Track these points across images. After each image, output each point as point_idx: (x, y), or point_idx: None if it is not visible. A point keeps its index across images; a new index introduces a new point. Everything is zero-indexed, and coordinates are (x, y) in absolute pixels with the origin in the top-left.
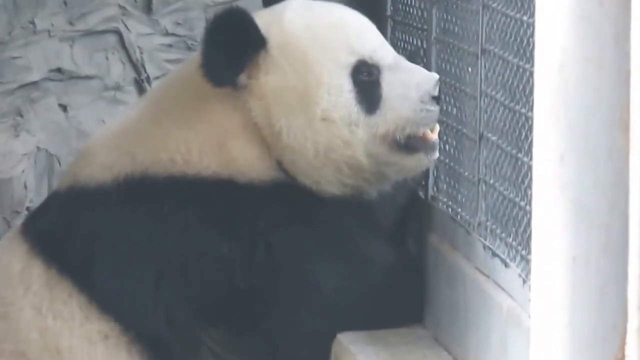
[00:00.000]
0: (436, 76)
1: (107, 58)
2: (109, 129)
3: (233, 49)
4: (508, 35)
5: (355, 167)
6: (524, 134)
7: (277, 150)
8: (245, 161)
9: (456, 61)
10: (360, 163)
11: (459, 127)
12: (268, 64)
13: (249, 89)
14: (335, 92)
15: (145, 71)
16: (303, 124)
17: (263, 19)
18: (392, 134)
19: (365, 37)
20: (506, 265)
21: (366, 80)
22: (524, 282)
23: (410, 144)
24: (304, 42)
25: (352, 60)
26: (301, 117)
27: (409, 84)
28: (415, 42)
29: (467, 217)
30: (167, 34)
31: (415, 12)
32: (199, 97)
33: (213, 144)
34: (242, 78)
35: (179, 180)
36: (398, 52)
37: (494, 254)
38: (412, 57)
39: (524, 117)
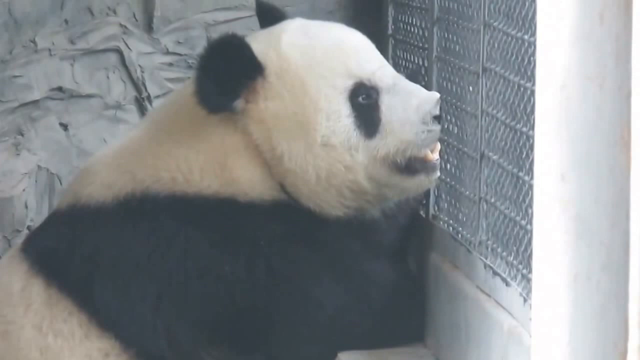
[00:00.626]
0: (437, 95)
1: (108, 77)
2: (110, 149)
3: (227, 76)
4: (509, 54)
5: (357, 191)
6: (525, 153)
7: (279, 173)
8: (247, 181)
9: (457, 80)
10: (362, 187)
11: (460, 145)
12: (266, 90)
13: (248, 112)
14: (334, 117)
15: (146, 90)
16: (303, 149)
17: (260, 43)
18: (392, 157)
19: (363, 59)
20: (507, 284)
21: (364, 104)
22: (525, 300)
23: (411, 166)
24: (301, 68)
25: (349, 83)
26: (301, 143)
27: (409, 106)
28: (416, 61)
29: (468, 235)
30: (168, 52)
31: (416, 30)
32: (201, 116)
33: (214, 164)
34: (240, 103)
35: (180, 199)
36: (399, 71)
37: (495, 273)
38: (413, 76)
39: (525, 136)
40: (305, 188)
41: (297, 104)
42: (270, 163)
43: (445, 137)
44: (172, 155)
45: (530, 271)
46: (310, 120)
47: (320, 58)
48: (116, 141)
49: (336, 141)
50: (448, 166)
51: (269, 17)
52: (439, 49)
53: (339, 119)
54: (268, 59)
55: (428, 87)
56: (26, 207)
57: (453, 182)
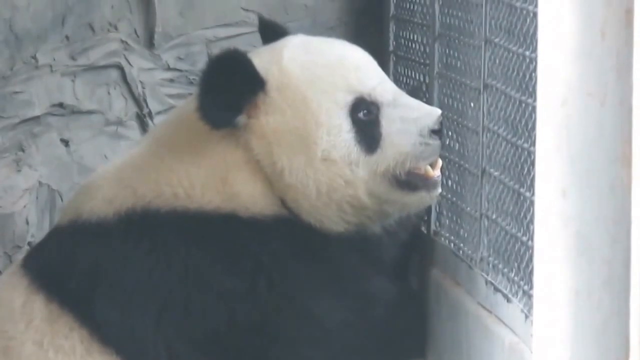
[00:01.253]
0: (438, 111)
1: (109, 93)
2: (111, 165)
3: (229, 92)
4: (510, 70)
5: (357, 206)
6: (526, 169)
7: (279, 188)
8: (248, 196)
9: (458, 96)
10: (363, 202)
11: (461, 162)
12: (267, 105)
13: (249, 127)
14: (335, 132)
15: (147, 106)
16: (304, 164)
17: (262, 58)
18: (392, 170)
19: (364, 74)
20: (508, 300)
21: (365, 120)
22: (526, 317)
23: (412, 182)
24: (302, 83)
25: (349, 98)
26: (302, 158)
27: (407, 119)
28: (417, 77)
29: (470, 252)
30: (169, 68)
31: (417, 47)
32: (202, 132)
33: (216, 179)
34: (242, 118)
35: (181, 215)
36: (400, 87)
37: (496, 289)
38: (415, 92)
39: (526, 152)
40: (305, 203)
41: (298, 119)
42: (271, 178)
43: (447, 154)
44: (173, 170)
45: (531, 287)
46: (311, 134)
47: (321, 73)
48: (118, 157)
49: (337, 156)
50: (449, 182)
51: (271, 33)
52: (440, 65)
53: (340, 134)
54: (269, 74)
55: (429, 103)
56: (27, 223)
57: (454, 199)
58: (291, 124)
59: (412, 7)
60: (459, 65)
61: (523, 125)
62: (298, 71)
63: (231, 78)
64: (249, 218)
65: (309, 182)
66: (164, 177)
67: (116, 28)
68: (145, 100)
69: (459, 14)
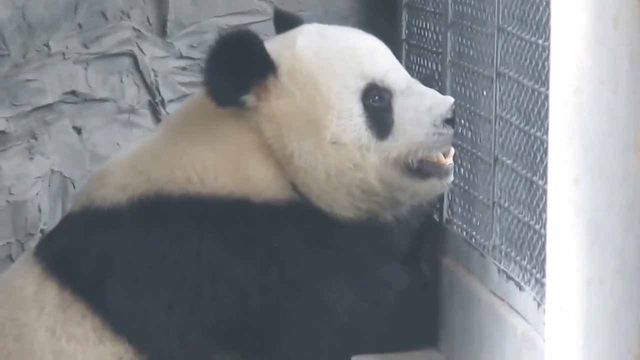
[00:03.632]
0: (451, 99)
1: (121, 81)
2: (125, 152)
3: (237, 70)
4: (523, 58)
5: (367, 191)
6: (538, 157)
7: (290, 171)
8: (261, 181)
9: (471, 84)
10: (372, 187)
11: (474, 150)
12: (278, 88)
13: (260, 110)
14: (345, 116)
15: (160, 94)
16: (313, 147)
17: (276, 44)
18: (404, 158)
19: (377, 61)
20: (521, 288)
21: (377, 106)
22: (539, 305)
23: (423, 169)
24: (314, 68)
25: (362, 84)
26: (311, 141)
27: (421, 108)
28: (430, 66)
29: (482, 240)
30: (181, 56)
31: (430, 35)
32: (215, 117)
33: (229, 163)
34: (251, 100)
35: (194, 200)
36: (413, 76)
37: (509, 277)
38: (427, 81)
39: (538, 140)
40: (315, 186)
41: (308, 102)
42: (281, 162)
43: (459, 142)
44: (186, 155)
45: (544, 275)
46: (321, 118)
47: (333, 58)
48: (131, 145)
49: (346, 139)
50: (462, 171)
51: (285, 24)
52: (452, 54)
53: (350, 118)
54: (282, 58)
55: (442, 91)
56: (39, 210)
57: (467, 187)
58: (301, 107)
59: None
60: (471, 53)
61: (535, 113)
62: (310, 56)
63: (239, 57)
64: (262, 203)
65: (318, 165)
66: (176, 161)
67: (129, 16)
68: (157, 89)
69: (472, 2)
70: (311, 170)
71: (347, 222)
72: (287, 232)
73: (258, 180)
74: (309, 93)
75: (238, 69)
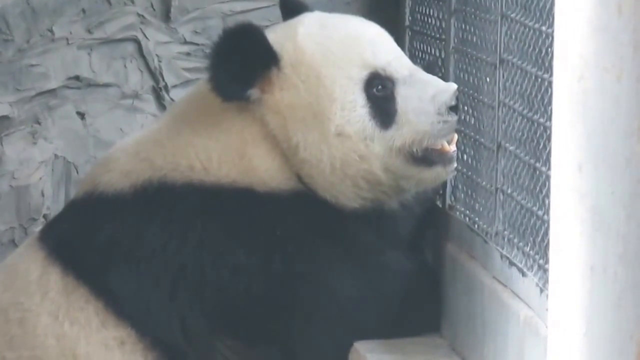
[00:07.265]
0: (455, 86)
1: (125, 66)
2: (130, 138)
3: (241, 65)
4: (526, 45)
5: (372, 181)
6: (542, 144)
7: (295, 163)
8: (266, 171)
9: (474, 71)
10: (378, 177)
11: (477, 136)
12: (282, 80)
13: (264, 102)
14: (349, 107)
15: (164, 79)
16: (318, 139)
17: (277, 34)
18: (408, 147)
19: (379, 50)
20: (523, 274)
21: (380, 96)
22: (542, 291)
23: (428, 157)
24: (316, 59)
25: (364, 73)
26: (316, 133)
27: (424, 97)
28: (433, 52)
29: (485, 226)
30: (185, 42)
31: (433, 22)
32: (220, 107)
33: (233, 152)
34: (255, 92)
35: (198, 188)
36: (416, 63)
37: (512, 263)
38: (430, 67)
39: (542, 127)
40: (320, 178)
41: (312, 94)
42: (286, 153)
43: (462, 128)
44: (191, 144)
45: (546, 262)
46: (325, 110)
47: (335, 49)
48: (137, 132)
49: (351, 131)
50: (465, 157)
51: (291, 10)
52: (456, 40)
53: (354, 109)
54: (284, 50)
55: (445, 78)
56: (43, 195)
57: (470, 173)
58: (305, 100)
59: None
60: (475, 40)
61: (539, 100)
62: (312, 47)
63: (243, 51)
64: (266, 193)
65: (323, 158)
66: (181, 149)
67: (132, 1)
68: (161, 74)
69: None
70: (316, 163)
71: (352, 211)
72: (291, 220)
73: (263, 170)
74: (312, 85)
75: (242, 64)
